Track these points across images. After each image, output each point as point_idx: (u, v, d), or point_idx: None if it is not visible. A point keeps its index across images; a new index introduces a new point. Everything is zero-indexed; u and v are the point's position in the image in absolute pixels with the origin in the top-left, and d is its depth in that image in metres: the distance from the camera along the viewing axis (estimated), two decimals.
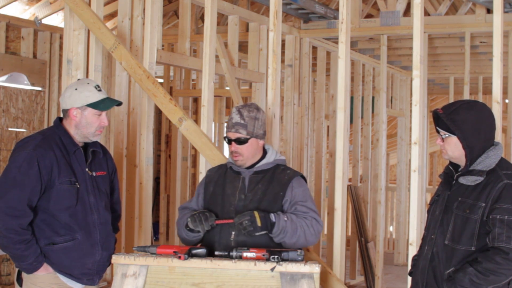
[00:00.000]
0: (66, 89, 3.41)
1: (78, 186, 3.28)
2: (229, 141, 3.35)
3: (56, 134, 3.32)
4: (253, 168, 3.37)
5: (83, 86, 3.37)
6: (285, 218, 3.17)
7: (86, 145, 3.41)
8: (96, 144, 3.46)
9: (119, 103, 3.43)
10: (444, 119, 3.02)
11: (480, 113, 3.03)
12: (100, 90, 3.37)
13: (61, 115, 3.46)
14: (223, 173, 3.42)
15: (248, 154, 3.34)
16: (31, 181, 3.16)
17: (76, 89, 3.35)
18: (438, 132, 3.11)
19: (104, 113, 3.38)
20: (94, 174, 3.40)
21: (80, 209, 3.28)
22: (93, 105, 3.32)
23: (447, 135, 3.04)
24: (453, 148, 3.05)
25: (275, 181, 3.32)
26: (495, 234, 2.87)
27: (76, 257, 3.27)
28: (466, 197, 3.00)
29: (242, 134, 3.32)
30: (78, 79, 3.58)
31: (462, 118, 2.99)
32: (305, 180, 3.41)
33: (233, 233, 3.22)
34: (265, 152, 3.43)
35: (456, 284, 2.92)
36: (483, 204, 2.93)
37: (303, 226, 3.20)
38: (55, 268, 3.26)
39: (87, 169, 3.36)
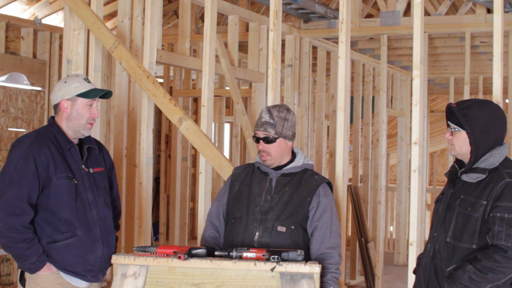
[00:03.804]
0: (55, 85, 3.43)
1: (75, 181, 3.29)
2: (257, 140, 3.34)
3: (51, 132, 3.34)
4: (281, 170, 3.35)
5: (72, 78, 3.40)
6: None
7: (81, 143, 3.42)
8: (91, 140, 3.46)
9: (108, 92, 3.44)
10: (456, 112, 3.04)
11: (493, 113, 3.05)
12: (89, 82, 3.40)
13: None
14: (250, 173, 3.40)
15: (276, 154, 3.33)
16: (29, 178, 3.17)
17: (65, 82, 3.38)
18: (448, 126, 3.13)
19: (94, 105, 3.39)
20: (91, 170, 3.40)
21: (79, 205, 3.28)
22: (83, 95, 3.33)
23: (456, 129, 3.06)
24: (461, 143, 3.06)
25: (303, 186, 3.30)
26: (494, 232, 2.88)
27: (78, 253, 3.27)
28: (468, 195, 3.01)
29: (271, 133, 3.30)
30: (67, 76, 3.59)
31: (474, 114, 3.02)
32: (331, 187, 3.38)
33: (257, 233, 3.23)
34: (294, 155, 3.42)
35: (455, 282, 2.92)
36: (485, 202, 2.94)
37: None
38: (58, 267, 3.26)
39: (83, 166, 3.36)
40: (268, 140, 3.31)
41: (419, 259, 3.28)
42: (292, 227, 3.22)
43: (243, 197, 3.32)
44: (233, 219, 3.32)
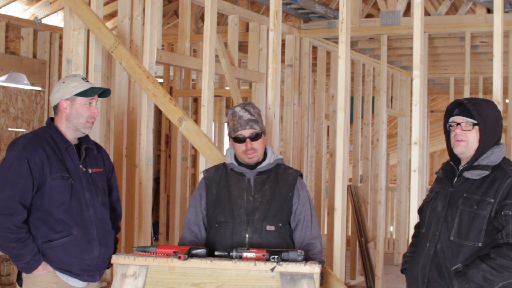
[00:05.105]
0: (54, 86, 3.45)
1: (72, 181, 3.28)
2: (243, 140, 3.32)
3: (47, 132, 3.35)
4: (256, 168, 3.36)
5: (70, 78, 3.42)
6: None
7: (80, 143, 3.42)
8: (89, 141, 3.47)
9: (106, 89, 3.46)
10: (471, 108, 3.03)
11: (498, 113, 3.11)
12: (87, 81, 3.42)
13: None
14: (224, 174, 3.39)
15: (261, 149, 3.35)
16: (22, 179, 3.18)
17: (63, 82, 3.40)
18: (445, 123, 3.11)
19: (94, 103, 3.40)
20: (89, 170, 3.40)
21: (75, 205, 3.28)
22: (82, 94, 3.34)
23: (476, 124, 3.03)
24: (475, 140, 3.06)
25: (281, 182, 3.33)
26: (509, 231, 2.88)
27: (74, 253, 3.27)
28: (472, 193, 3.01)
29: (257, 130, 3.33)
30: (65, 76, 3.61)
31: (486, 112, 3.05)
32: (302, 176, 3.47)
33: (247, 235, 3.24)
34: (264, 152, 3.43)
35: (468, 280, 2.92)
36: (492, 200, 2.95)
37: None
38: (54, 266, 3.26)
39: (81, 166, 3.36)
40: (254, 137, 3.32)
41: (407, 257, 3.28)
42: (280, 224, 3.27)
43: (224, 201, 3.31)
44: (217, 224, 3.30)
